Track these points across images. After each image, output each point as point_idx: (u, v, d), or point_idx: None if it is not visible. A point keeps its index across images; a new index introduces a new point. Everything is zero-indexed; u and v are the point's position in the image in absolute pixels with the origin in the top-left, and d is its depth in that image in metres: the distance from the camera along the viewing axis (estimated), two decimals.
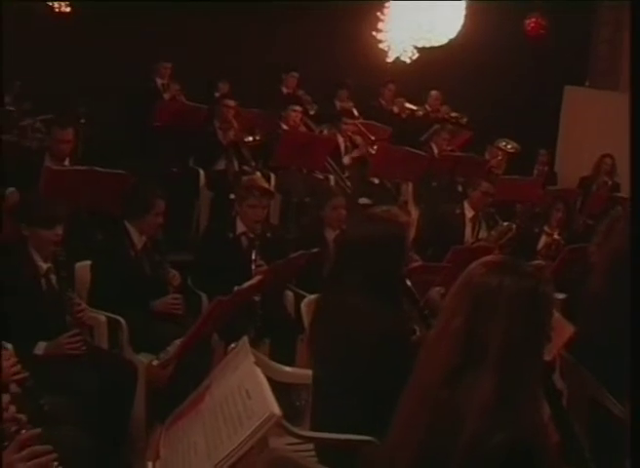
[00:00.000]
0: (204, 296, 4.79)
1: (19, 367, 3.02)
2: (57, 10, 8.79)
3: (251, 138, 7.40)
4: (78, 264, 4.42)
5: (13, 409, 2.02)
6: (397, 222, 2.97)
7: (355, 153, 7.97)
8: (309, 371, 3.19)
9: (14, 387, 3.02)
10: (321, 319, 3.03)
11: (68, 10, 8.84)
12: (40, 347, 3.71)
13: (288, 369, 3.57)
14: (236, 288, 4.50)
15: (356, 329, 2.78)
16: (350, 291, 2.87)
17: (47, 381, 3.20)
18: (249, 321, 4.52)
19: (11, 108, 7.47)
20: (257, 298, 4.56)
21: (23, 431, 1.96)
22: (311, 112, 9.18)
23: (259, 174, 6.68)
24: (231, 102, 7.51)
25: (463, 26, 8.96)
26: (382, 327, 2.77)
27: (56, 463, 1.91)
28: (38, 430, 1.94)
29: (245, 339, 2.44)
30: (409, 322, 3.07)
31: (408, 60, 9.78)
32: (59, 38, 8.36)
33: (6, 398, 2.04)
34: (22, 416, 2.03)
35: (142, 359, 4.18)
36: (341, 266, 2.99)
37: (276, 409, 1.84)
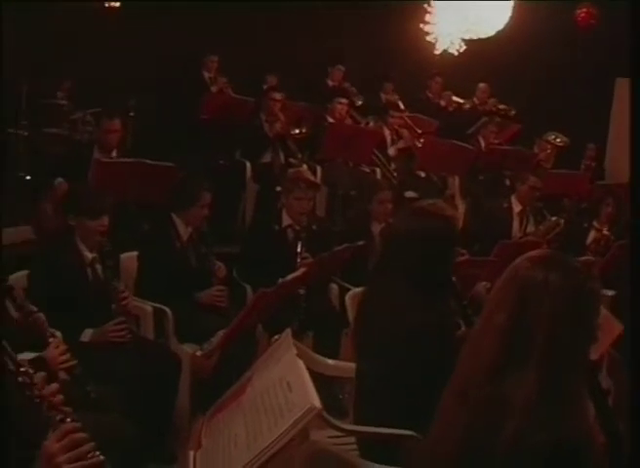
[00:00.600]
0: (249, 288, 4.81)
1: (68, 354, 3.08)
2: (106, 5, 8.91)
3: (297, 131, 7.40)
4: (125, 255, 4.47)
5: (60, 397, 2.04)
6: (445, 216, 2.94)
7: (401, 144, 7.93)
8: (352, 365, 3.19)
9: (62, 374, 3.07)
10: (366, 312, 3.01)
11: (117, 5, 8.96)
12: (86, 335, 3.79)
13: (331, 361, 3.56)
14: (280, 280, 4.54)
15: (401, 323, 2.76)
16: (396, 284, 2.84)
17: (93, 369, 3.26)
18: (293, 313, 4.53)
19: (62, 102, 7.60)
20: (301, 291, 4.56)
21: (68, 420, 1.97)
22: (358, 103, 9.15)
23: (305, 166, 6.68)
24: (278, 95, 7.52)
25: (512, 18, 8.85)
26: (428, 321, 2.75)
27: (97, 452, 1.92)
28: (78, 424, 1.95)
29: (288, 332, 2.44)
30: (453, 316, 3.04)
31: (455, 53, 9.70)
32: (108, 33, 8.47)
33: (54, 386, 2.06)
34: (68, 409, 2.05)
35: (187, 349, 4.23)
36: (388, 260, 2.97)
37: (317, 402, 1.83)
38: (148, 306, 4.26)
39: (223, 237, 5.93)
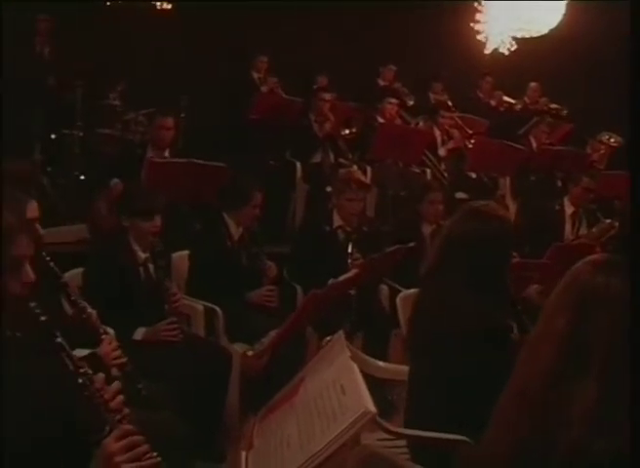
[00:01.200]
0: (299, 289, 4.82)
1: (120, 351, 3.11)
2: (158, 7, 9.02)
3: (347, 131, 7.39)
4: (177, 254, 4.51)
5: (120, 398, 2.06)
6: (501, 218, 2.90)
7: (451, 144, 7.86)
8: (404, 367, 3.17)
9: (114, 371, 3.11)
10: (420, 315, 2.99)
11: (169, 7, 9.06)
12: (139, 333, 3.82)
13: (382, 363, 3.54)
14: (331, 280, 4.53)
15: (455, 325, 2.74)
16: (451, 287, 2.82)
17: (145, 367, 3.29)
18: (344, 314, 4.52)
19: (115, 103, 7.71)
20: (352, 292, 4.55)
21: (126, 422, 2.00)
22: (410, 103, 9.11)
23: (355, 167, 6.67)
24: (327, 96, 7.52)
25: (565, 15, 8.72)
26: (483, 324, 2.71)
27: (154, 453, 1.94)
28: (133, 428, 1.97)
29: (341, 333, 2.43)
30: (507, 319, 3.00)
31: (506, 52, 9.60)
32: (160, 34, 8.57)
33: (115, 386, 2.09)
34: (127, 410, 2.07)
35: (237, 348, 4.24)
36: (442, 262, 2.93)
37: (371, 406, 1.82)
38: (199, 305, 4.28)
39: (274, 237, 5.95)
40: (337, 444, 1.80)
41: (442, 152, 7.83)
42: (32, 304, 1.99)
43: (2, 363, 1.92)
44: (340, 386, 2.01)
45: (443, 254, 2.97)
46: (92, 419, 2.02)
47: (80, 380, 2.00)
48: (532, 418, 1.77)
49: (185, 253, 4.55)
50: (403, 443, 2.96)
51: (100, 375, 2.08)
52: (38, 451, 1.93)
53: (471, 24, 9.58)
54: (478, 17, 9.59)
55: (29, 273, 1.95)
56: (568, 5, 8.58)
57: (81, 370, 2.01)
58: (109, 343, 3.08)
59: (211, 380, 3.88)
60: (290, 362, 4.17)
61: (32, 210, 3.05)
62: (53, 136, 7.31)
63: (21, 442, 1.88)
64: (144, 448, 1.92)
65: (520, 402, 1.80)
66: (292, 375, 4.29)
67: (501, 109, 9.97)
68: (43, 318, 2.01)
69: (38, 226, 3.17)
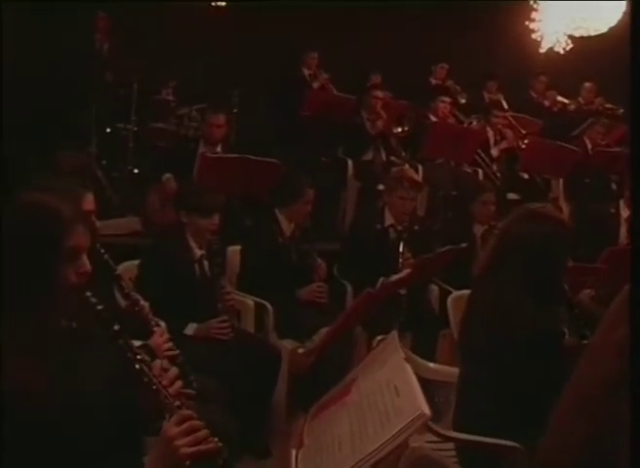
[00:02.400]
0: (349, 286, 4.81)
1: (171, 343, 3.14)
2: (212, 4, 9.08)
3: (399, 129, 7.36)
4: (229, 248, 4.54)
5: (179, 384, 2.08)
6: (558, 220, 2.86)
7: (504, 145, 7.77)
8: (454, 369, 3.14)
9: (165, 363, 3.13)
10: (472, 317, 2.96)
11: (224, 4, 9.11)
12: (190, 328, 3.85)
13: (432, 365, 3.51)
14: (382, 279, 4.51)
15: (508, 329, 2.70)
16: (504, 289, 2.78)
17: (194, 361, 3.30)
18: (393, 314, 4.49)
19: (169, 98, 7.79)
20: (402, 291, 4.52)
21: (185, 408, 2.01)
22: (462, 101, 9.02)
23: (406, 165, 6.63)
24: (380, 93, 7.48)
25: (625, 13, 8.52)
26: (536, 328, 2.68)
27: (216, 438, 1.95)
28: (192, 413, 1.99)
29: (394, 334, 2.40)
30: (561, 323, 2.96)
31: (561, 51, 9.43)
32: (214, 31, 8.62)
33: (173, 372, 2.10)
34: (189, 391, 2.09)
35: (286, 345, 4.25)
36: (496, 264, 2.90)
37: (426, 409, 1.79)
38: (250, 301, 4.30)
39: (324, 234, 5.95)
40: (391, 445, 1.78)
41: (495, 152, 7.74)
42: (88, 294, 2.00)
43: (59, 352, 1.95)
44: (394, 387, 1.99)
45: (497, 256, 2.93)
46: (151, 405, 2.04)
47: (138, 367, 2.02)
48: (591, 426, 1.73)
49: (237, 248, 4.58)
50: (451, 446, 2.93)
51: (158, 362, 2.09)
52: (96, 438, 1.95)
53: (526, 23, 9.43)
54: (533, 15, 9.43)
55: (86, 264, 1.96)
56: (629, 3, 8.37)
57: (139, 357, 2.03)
58: (161, 335, 3.11)
59: (259, 376, 3.89)
60: (337, 360, 4.19)
61: (89, 202, 3.09)
62: (108, 130, 7.41)
63: (81, 430, 1.90)
64: (204, 432, 1.92)
65: (580, 410, 1.77)
66: (339, 374, 4.31)
67: (555, 109, 9.82)
68: (100, 307, 2.03)
69: (94, 218, 3.21)
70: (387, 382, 2.06)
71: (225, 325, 3.83)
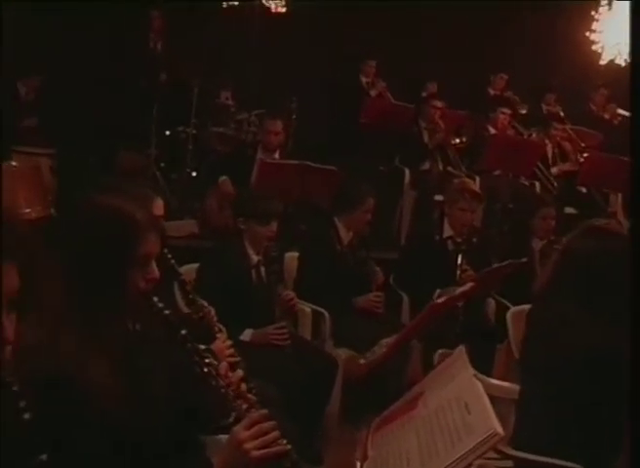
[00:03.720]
0: (405, 297, 4.78)
1: (233, 349, 3.15)
2: (273, 10, 9.13)
3: (458, 140, 7.31)
4: (287, 255, 4.55)
5: (244, 386, 2.09)
6: (624, 237, 2.80)
7: (566, 167, 7.66)
8: (516, 386, 3.09)
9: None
10: (534, 334, 2.91)
11: (284, 10, 9.16)
12: (247, 334, 3.86)
13: (494, 381, 3.47)
14: (438, 291, 4.48)
15: (571, 346, 2.65)
16: (568, 306, 2.73)
17: (250, 367, 3.31)
18: (449, 326, 4.45)
19: (229, 102, 7.86)
20: (459, 304, 4.48)
21: (253, 410, 2.02)
22: (523, 112, 8.92)
23: (464, 176, 6.59)
24: (439, 103, 7.44)
25: None
26: (599, 346, 2.62)
27: (284, 441, 1.95)
28: (265, 412, 2.00)
29: (462, 349, 2.37)
30: (624, 342, 2.89)
31: (623, 63, 9.25)
32: (274, 36, 8.68)
33: (237, 375, 2.11)
34: (253, 397, 2.09)
35: (341, 353, 4.25)
36: (559, 280, 2.85)
37: (499, 428, 1.77)
38: (308, 308, 4.31)
39: (379, 242, 5.93)
40: (462, 464, 1.76)
41: (555, 171, 7.63)
42: (155, 299, 2.02)
43: (125, 355, 1.97)
44: (465, 404, 1.96)
45: (559, 273, 2.88)
46: (218, 407, 2.05)
47: (206, 370, 2.03)
48: None
49: (295, 254, 4.58)
50: (509, 464, 2.88)
51: (224, 365, 2.10)
52: (159, 440, 1.96)
53: (587, 34, 9.29)
54: (594, 26, 9.29)
55: (155, 270, 1.98)
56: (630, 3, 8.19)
57: (206, 360, 2.04)
58: (223, 341, 3.12)
59: (314, 384, 3.88)
60: (391, 371, 4.17)
61: (158, 207, 3.12)
62: (167, 133, 7.50)
63: (145, 432, 1.92)
64: (274, 434, 1.92)
65: None
66: (394, 385, 4.30)
67: (615, 122, 9.64)
68: (167, 312, 2.04)
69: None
70: (457, 399, 2.03)
71: (283, 331, 3.84)
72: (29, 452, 1.24)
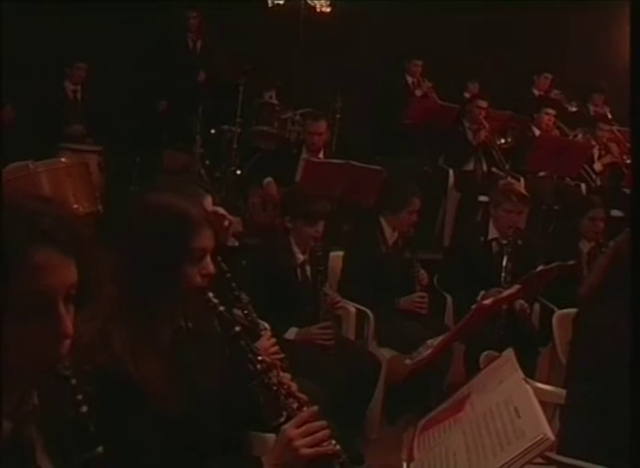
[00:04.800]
0: (449, 298, 4.76)
1: (277, 347, 3.16)
2: (317, 9, 9.14)
3: (503, 141, 7.25)
4: (331, 254, 4.56)
5: (295, 386, 2.10)
6: None
7: (607, 159, 7.54)
8: (563, 391, 3.06)
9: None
10: (581, 338, 2.88)
11: (328, 10, 9.16)
12: (291, 333, 3.87)
13: (540, 385, 3.42)
14: (482, 293, 4.45)
15: (620, 352, 2.61)
16: (617, 310, 2.69)
17: (293, 365, 3.32)
18: (492, 328, 4.42)
19: (274, 101, 7.89)
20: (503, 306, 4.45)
21: (304, 408, 2.03)
22: (572, 110, 8.80)
23: (509, 177, 6.54)
24: (483, 103, 7.39)
25: None
26: None
27: (333, 441, 1.96)
28: (315, 408, 2.01)
29: (510, 352, 2.36)
30: None
31: None
32: (319, 36, 8.69)
33: (287, 376, 2.12)
34: (304, 396, 2.11)
35: (385, 354, 4.24)
36: (608, 283, 2.81)
37: (549, 433, 1.75)
38: (352, 307, 4.31)
39: (422, 243, 5.91)
40: None
41: (598, 167, 7.53)
42: (210, 295, 2.04)
43: (177, 352, 1.98)
44: (514, 408, 1.94)
45: (609, 275, 2.84)
46: (270, 406, 2.06)
47: (259, 367, 2.04)
48: None
49: (339, 253, 4.59)
50: None
51: (277, 363, 2.12)
52: (209, 437, 1.98)
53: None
54: None
55: (210, 266, 1.99)
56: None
57: (259, 358, 2.06)
58: (268, 339, 3.14)
59: (357, 384, 3.89)
60: (432, 372, 4.14)
61: (208, 204, 3.14)
62: (212, 132, 7.56)
63: (195, 429, 1.93)
64: (323, 433, 1.94)
65: None
66: (435, 386, 4.28)
67: None
68: (221, 308, 2.06)
69: None
70: (506, 402, 2.02)
71: (328, 331, 3.85)
72: (86, 445, 1.25)
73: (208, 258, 2.01)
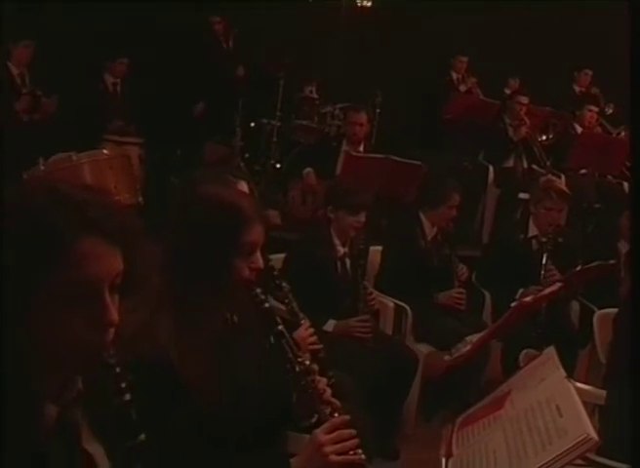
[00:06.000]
0: (488, 295, 4.73)
1: (315, 337, 3.17)
2: (358, 4, 9.12)
3: (544, 137, 7.16)
4: (371, 248, 4.54)
5: (329, 392, 2.10)
6: None
7: None
8: (601, 391, 3.03)
9: (306, 357, 3.15)
10: (622, 339, 2.84)
11: (369, 4, 9.13)
12: (330, 325, 3.88)
13: (581, 385, 3.38)
14: (521, 291, 4.41)
15: None
16: None
17: (331, 357, 3.31)
18: (531, 326, 4.37)
19: (313, 95, 7.89)
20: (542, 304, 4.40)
21: (336, 414, 2.03)
22: (609, 112, 8.67)
23: (549, 174, 6.46)
24: (524, 99, 7.30)
25: None
26: None
27: (359, 450, 1.95)
28: (347, 417, 2.00)
29: (552, 350, 2.33)
30: None
31: None
32: (359, 30, 8.67)
33: (323, 381, 2.12)
34: (337, 402, 2.10)
35: (422, 349, 4.23)
36: None
37: (592, 433, 1.73)
38: (390, 302, 4.31)
39: (461, 239, 5.87)
40: (553, 467, 1.73)
41: None
42: (258, 290, 2.04)
43: (220, 345, 1.99)
44: (556, 407, 1.92)
45: None
46: (302, 407, 2.07)
47: (298, 369, 2.04)
48: None
49: (378, 248, 4.58)
50: None
51: (315, 367, 2.11)
52: (246, 433, 1.98)
53: None
54: None
55: (259, 260, 2.00)
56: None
57: (299, 360, 2.06)
58: (306, 329, 3.14)
59: (394, 378, 3.89)
60: (469, 369, 4.12)
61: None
62: (252, 125, 7.59)
63: (233, 424, 1.94)
64: (352, 442, 1.94)
65: None
66: (472, 383, 4.25)
67: None
68: (267, 305, 2.06)
69: None
70: (548, 401, 1.99)
71: (366, 324, 3.85)
72: (129, 432, 1.26)
73: (258, 253, 2.01)
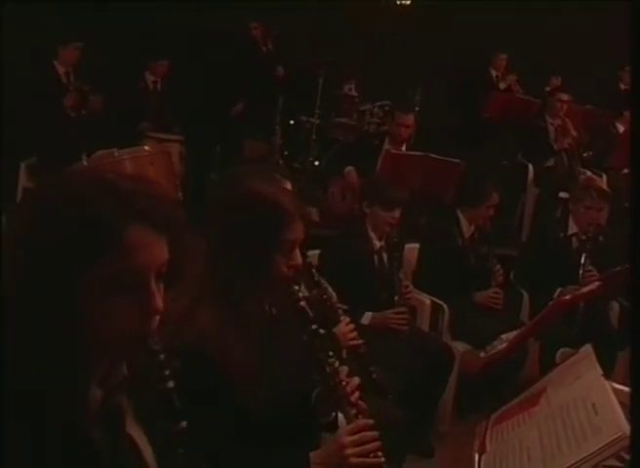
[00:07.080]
0: (525, 295, 4.71)
1: (355, 333, 3.19)
2: (398, 3, 9.11)
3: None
4: (408, 245, 4.57)
5: (357, 394, 2.11)
6: None
7: None
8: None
9: (345, 353, 3.17)
10: None
11: (408, 3, 9.12)
12: (366, 317, 3.91)
13: (618, 386, 3.35)
14: (559, 290, 4.38)
15: None
16: None
17: (371, 353, 3.33)
18: (569, 325, 4.35)
19: (352, 93, 7.91)
20: (580, 303, 4.37)
21: (360, 417, 2.04)
22: None
23: (589, 173, 6.40)
24: (565, 96, 7.24)
25: None
26: None
27: (380, 453, 1.97)
28: (371, 422, 2.02)
29: (589, 348, 2.33)
30: None
31: None
32: (399, 29, 8.66)
33: (355, 381, 2.13)
34: (364, 405, 2.11)
35: (458, 347, 4.23)
36: None
37: (628, 431, 1.73)
38: (427, 299, 4.32)
39: (499, 238, 5.84)
40: (586, 465, 1.73)
41: None
42: (296, 287, 2.07)
43: (259, 337, 2.02)
44: (592, 404, 1.92)
45: None
46: (324, 405, 2.10)
47: (327, 370, 2.07)
48: None
49: (415, 246, 4.59)
50: None
51: (345, 368, 2.13)
52: (273, 425, 2.01)
53: None
54: None
55: (298, 257, 2.03)
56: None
57: (330, 360, 2.08)
58: (346, 324, 3.16)
59: (431, 375, 3.89)
60: (506, 367, 4.11)
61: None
62: (291, 123, 7.63)
63: (264, 415, 1.97)
64: (374, 445, 1.96)
65: None
66: (509, 381, 4.24)
67: None
68: (302, 303, 2.09)
69: None
70: (583, 398, 1.99)
71: (403, 316, 3.88)
72: (171, 418, 1.28)
73: (297, 250, 2.05)
